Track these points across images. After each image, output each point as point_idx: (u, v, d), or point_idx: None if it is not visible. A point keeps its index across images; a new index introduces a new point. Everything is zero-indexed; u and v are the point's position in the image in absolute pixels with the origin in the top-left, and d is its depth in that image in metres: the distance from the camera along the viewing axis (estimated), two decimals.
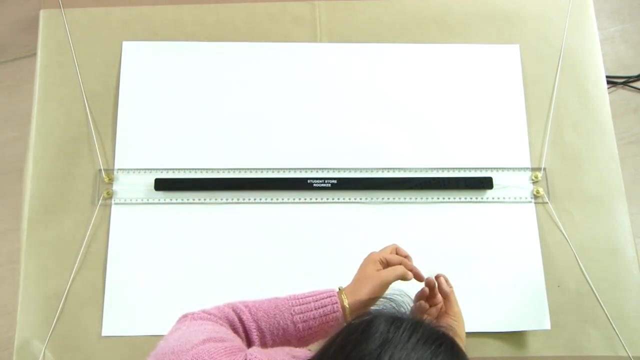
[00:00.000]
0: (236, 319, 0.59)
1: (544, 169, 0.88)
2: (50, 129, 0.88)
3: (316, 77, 0.92)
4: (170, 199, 0.86)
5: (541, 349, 0.81)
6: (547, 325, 0.81)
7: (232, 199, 0.86)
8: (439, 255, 0.84)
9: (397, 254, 0.70)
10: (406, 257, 0.70)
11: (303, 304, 0.62)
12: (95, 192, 0.86)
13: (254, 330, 0.59)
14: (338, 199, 0.87)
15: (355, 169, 0.88)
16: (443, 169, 0.88)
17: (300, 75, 0.92)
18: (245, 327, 0.59)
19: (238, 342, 0.54)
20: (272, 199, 0.86)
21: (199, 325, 0.55)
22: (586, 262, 0.84)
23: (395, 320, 0.42)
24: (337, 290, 0.65)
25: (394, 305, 0.52)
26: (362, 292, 0.63)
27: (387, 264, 0.68)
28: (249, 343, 0.59)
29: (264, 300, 0.62)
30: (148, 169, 0.87)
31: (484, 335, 0.81)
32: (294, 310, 0.61)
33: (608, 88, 0.93)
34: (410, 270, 0.66)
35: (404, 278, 0.65)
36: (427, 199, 0.87)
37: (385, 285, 0.64)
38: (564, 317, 0.82)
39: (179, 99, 0.90)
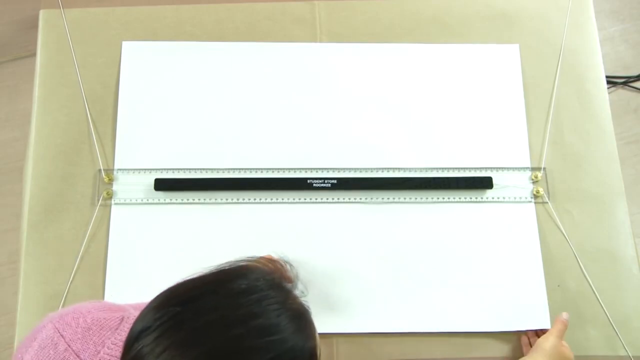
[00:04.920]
0: None
1: (544, 168, 0.88)
2: (50, 129, 0.88)
3: (316, 77, 0.92)
4: (170, 199, 0.86)
5: None
6: (547, 325, 0.81)
7: (232, 199, 0.86)
8: (439, 255, 0.84)
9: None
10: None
11: None
12: (95, 192, 0.86)
13: None
14: (338, 199, 0.87)
15: (355, 169, 0.88)
16: (443, 168, 0.88)
17: (300, 75, 0.92)
18: None
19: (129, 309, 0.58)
20: (272, 199, 0.86)
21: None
22: (586, 262, 0.84)
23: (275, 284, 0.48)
24: None
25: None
26: None
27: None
28: None
29: None
30: (148, 169, 0.87)
31: (484, 335, 0.81)
32: None
33: (608, 88, 0.93)
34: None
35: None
36: (427, 199, 0.87)
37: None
38: None
39: (179, 99, 0.90)
